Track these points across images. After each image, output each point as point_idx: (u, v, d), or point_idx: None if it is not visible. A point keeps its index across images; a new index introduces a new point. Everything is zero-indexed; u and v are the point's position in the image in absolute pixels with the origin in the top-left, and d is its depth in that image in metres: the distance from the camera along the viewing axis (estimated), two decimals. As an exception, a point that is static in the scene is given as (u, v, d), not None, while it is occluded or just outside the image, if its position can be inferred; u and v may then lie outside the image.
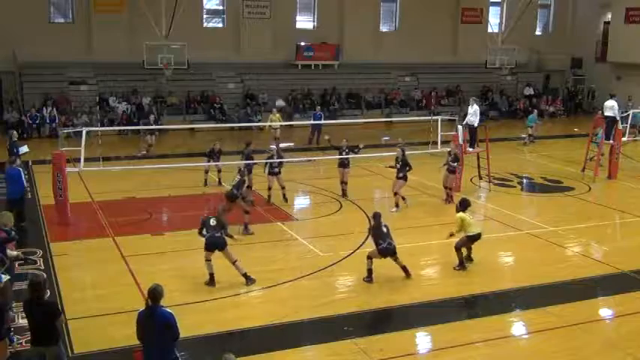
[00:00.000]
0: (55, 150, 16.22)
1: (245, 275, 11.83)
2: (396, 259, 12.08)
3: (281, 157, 17.71)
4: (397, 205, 16.82)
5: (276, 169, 17.36)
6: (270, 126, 25.80)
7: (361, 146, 18.15)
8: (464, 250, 12.75)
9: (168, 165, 20.61)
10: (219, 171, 19.44)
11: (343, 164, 18.04)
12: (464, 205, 12.54)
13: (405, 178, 16.86)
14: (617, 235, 16.52)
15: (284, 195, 17.44)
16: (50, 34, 29.50)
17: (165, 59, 27.44)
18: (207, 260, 11.81)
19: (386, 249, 11.89)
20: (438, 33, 36.45)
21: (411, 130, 27.17)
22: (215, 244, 11.73)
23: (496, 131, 27.81)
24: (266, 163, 17.52)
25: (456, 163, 17.83)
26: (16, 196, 14.90)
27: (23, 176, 15.31)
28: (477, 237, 12.53)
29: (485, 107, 33.85)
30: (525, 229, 15.62)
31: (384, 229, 12.03)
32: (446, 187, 17.79)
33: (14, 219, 11.22)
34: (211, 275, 11.81)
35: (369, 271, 12.06)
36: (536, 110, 30.46)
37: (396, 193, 16.86)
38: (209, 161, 19.31)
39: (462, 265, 12.61)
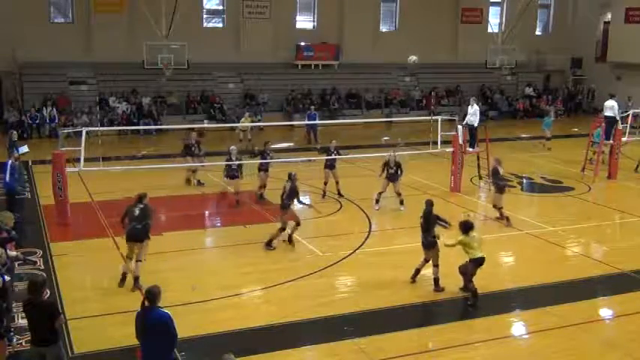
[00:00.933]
0: (55, 150, 16.19)
1: (136, 279, 11.47)
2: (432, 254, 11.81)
3: (239, 160, 17.11)
4: (378, 202, 17.00)
5: (236, 173, 16.91)
6: (239, 129, 25.35)
7: (348, 155, 18.16)
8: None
9: (169, 165, 20.55)
10: (195, 170, 19.10)
11: (332, 166, 17.90)
12: (466, 228, 11.28)
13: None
14: (617, 235, 16.52)
15: (237, 201, 17.08)
16: (50, 34, 29.49)
17: (165, 59, 27.43)
18: (128, 257, 11.56)
19: (422, 243, 11.88)
20: (438, 33, 36.41)
21: (411, 130, 27.17)
22: (132, 236, 11.44)
23: (496, 131, 27.77)
24: (225, 165, 17.14)
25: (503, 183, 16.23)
26: (10, 188, 14.90)
27: (9, 170, 15.04)
28: (481, 261, 11.20)
29: (486, 107, 33.83)
30: (525, 229, 15.60)
31: (422, 222, 11.89)
32: (495, 207, 16.17)
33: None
34: (124, 275, 11.57)
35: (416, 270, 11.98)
36: (552, 112, 29.28)
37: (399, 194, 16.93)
38: (186, 159, 19.02)
39: (473, 294, 11.28)
